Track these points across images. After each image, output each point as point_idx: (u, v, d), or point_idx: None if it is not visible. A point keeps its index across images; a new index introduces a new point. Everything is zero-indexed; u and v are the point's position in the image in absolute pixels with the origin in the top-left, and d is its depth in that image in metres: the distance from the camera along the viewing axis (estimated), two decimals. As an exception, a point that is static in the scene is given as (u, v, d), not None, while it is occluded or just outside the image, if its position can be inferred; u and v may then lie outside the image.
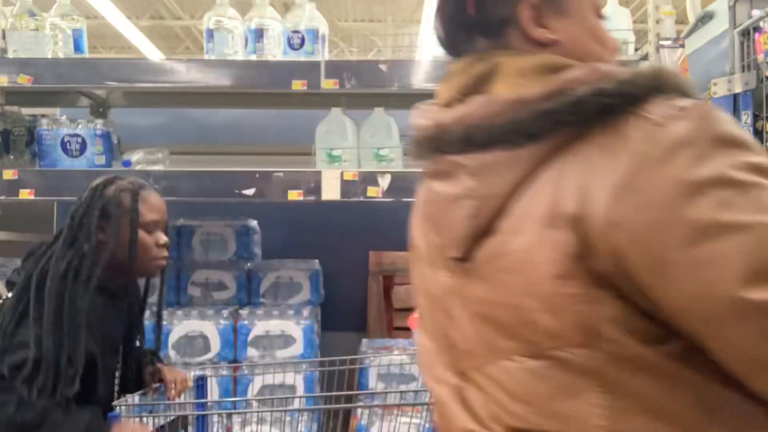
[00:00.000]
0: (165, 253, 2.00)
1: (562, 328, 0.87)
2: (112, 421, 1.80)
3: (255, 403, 3.03)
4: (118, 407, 1.85)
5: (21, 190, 2.83)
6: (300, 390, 3.25)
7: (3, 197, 2.83)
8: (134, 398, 1.95)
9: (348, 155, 2.94)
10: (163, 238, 1.99)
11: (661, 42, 2.79)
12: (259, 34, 2.91)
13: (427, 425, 3.23)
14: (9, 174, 2.83)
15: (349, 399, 2.55)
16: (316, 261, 3.75)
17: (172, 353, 3.17)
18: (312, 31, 2.90)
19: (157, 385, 2.09)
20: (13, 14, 2.91)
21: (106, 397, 1.89)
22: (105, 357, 1.87)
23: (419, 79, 2.87)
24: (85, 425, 1.70)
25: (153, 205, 2.00)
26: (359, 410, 3.16)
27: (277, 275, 3.58)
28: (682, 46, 2.79)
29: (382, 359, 3.03)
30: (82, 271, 1.82)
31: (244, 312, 3.36)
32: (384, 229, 4.09)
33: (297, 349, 3.36)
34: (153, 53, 12.01)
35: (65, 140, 2.92)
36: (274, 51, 2.93)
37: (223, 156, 3.89)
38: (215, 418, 2.21)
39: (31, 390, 1.67)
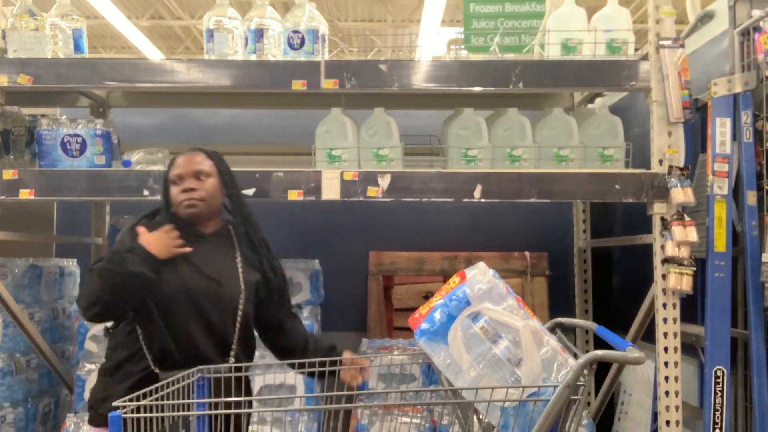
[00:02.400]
0: (187, 195, 2.37)
1: None
2: (112, 422, 1.81)
3: (255, 403, 3.03)
4: (120, 408, 1.85)
5: (21, 190, 2.83)
6: (300, 390, 3.25)
7: (3, 197, 2.83)
8: (135, 398, 1.95)
9: (348, 155, 2.94)
10: (185, 185, 2.38)
11: (661, 42, 2.79)
12: (259, 34, 2.91)
13: (427, 425, 3.23)
14: (9, 174, 2.83)
15: (349, 399, 2.55)
16: (316, 261, 3.75)
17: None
18: (312, 31, 2.90)
19: (157, 385, 2.09)
20: (13, 14, 2.90)
21: (221, 323, 2.34)
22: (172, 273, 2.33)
23: (419, 79, 2.86)
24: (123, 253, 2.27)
25: (177, 163, 2.43)
26: (359, 410, 3.16)
27: (277, 275, 3.57)
28: (682, 46, 2.79)
29: (382, 359, 3.03)
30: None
31: (244, 312, 3.35)
32: (384, 229, 4.10)
33: (297, 349, 3.35)
34: (153, 53, 12.01)
35: (65, 140, 2.92)
36: (274, 51, 2.93)
37: (223, 156, 3.89)
38: (215, 418, 2.21)
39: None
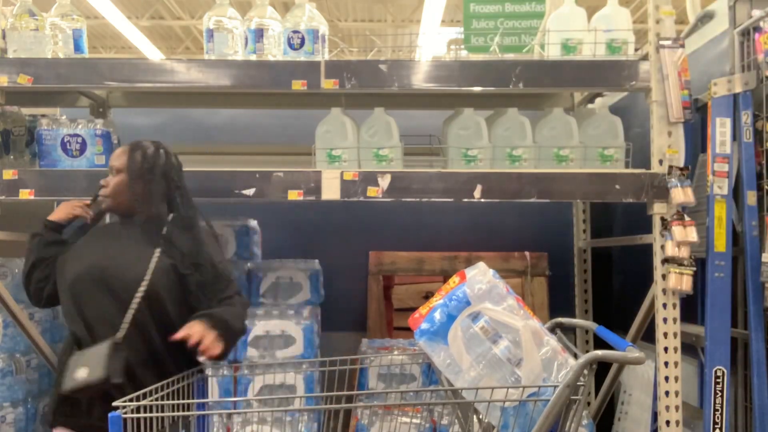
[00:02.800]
0: (100, 190, 2.52)
1: None
2: (112, 422, 1.81)
3: (255, 403, 3.03)
4: (120, 408, 1.85)
5: (21, 190, 2.83)
6: (300, 390, 3.25)
7: (3, 197, 2.83)
8: (136, 398, 1.95)
9: (348, 155, 2.94)
10: (103, 180, 2.53)
11: (661, 42, 2.79)
12: (259, 34, 2.91)
13: (427, 425, 3.23)
14: (9, 174, 2.83)
15: (349, 399, 2.55)
16: (316, 261, 3.75)
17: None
18: (312, 31, 2.90)
19: (157, 385, 2.09)
20: (13, 14, 2.90)
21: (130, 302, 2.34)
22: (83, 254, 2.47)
23: (419, 79, 2.86)
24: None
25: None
26: (359, 410, 3.16)
27: (277, 275, 3.58)
28: (682, 46, 2.79)
29: (382, 359, 3.03)
30: None
31: (244, 312, 3.35)
32: (384, 229, 4.10)
33: (297, 349, 3.36)
34: (153, 53, 12.01)
35: (65, 140, 2.92)
36: (274, 51, 2.93)
37: (223, 156, 3.89)
38: (216, 418, 2.21)
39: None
